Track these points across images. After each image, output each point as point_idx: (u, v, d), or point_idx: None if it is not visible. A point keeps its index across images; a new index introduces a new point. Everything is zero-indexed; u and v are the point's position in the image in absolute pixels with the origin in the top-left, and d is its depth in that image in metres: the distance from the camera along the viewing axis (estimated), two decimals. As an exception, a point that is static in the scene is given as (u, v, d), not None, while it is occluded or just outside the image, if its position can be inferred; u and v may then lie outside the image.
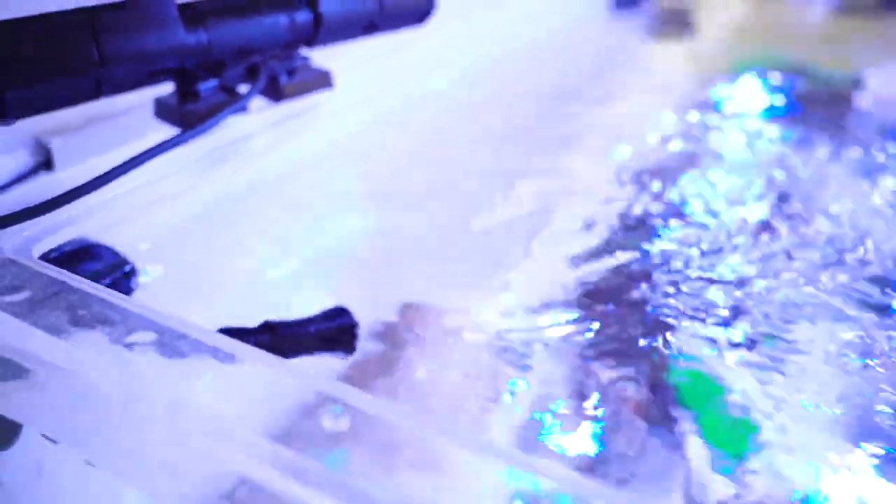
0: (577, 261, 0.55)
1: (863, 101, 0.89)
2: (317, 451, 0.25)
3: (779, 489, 0.37)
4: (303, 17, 0.51)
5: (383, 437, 0.26)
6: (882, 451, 0.39)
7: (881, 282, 0.53)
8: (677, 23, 1.20)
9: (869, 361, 0.45)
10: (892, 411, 0.42)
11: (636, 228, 0.60)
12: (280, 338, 0.41)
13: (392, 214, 0.58)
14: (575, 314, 0.49)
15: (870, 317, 0.49)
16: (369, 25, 0.56)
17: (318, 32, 0.52)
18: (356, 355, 0.45)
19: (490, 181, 0.64)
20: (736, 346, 0.47)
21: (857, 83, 0.93)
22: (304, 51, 0.55)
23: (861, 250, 0.56)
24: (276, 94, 0.53)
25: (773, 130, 0.79)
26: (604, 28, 1.11)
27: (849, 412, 0.42)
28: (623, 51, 1.05)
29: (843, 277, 0.53)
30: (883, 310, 0.50)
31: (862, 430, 0.41)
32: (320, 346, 0.42)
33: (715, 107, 0.85)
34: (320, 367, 0.44)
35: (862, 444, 0.39)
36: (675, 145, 0.75)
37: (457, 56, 0.83)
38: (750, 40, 1.16)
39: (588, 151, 0.75)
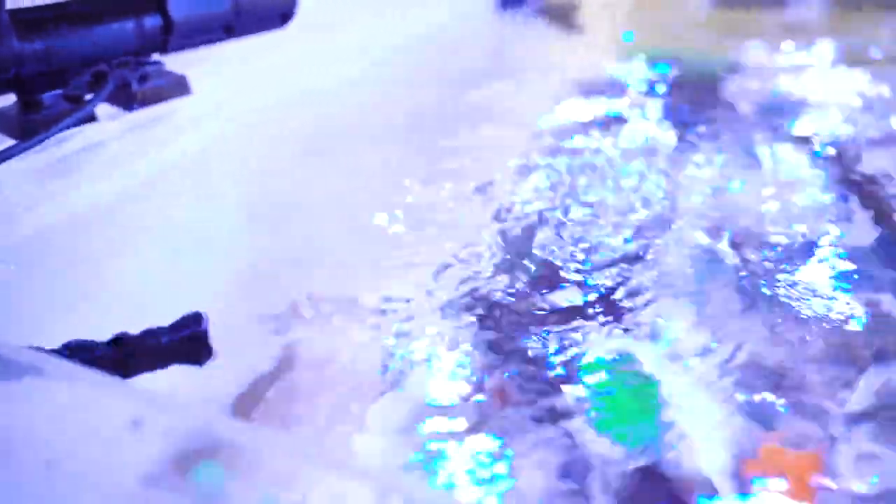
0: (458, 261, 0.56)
1: (732, 84, 0.93)
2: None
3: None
4: (152, 22, 0.51)
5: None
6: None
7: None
8: (564, 18, 1.23)
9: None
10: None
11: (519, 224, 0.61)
12: (127, 351, 0.40)
13: (263, 223, 0.57)
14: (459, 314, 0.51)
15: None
16: (226, 29, 0.55)
17: (170, 38, 0.51)
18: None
19: (363, 184, 0.64)
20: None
21: (728, 68, 0.97)
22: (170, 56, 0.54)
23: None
24: (127, 101, 0.51)
25: (652, 118, 0.82)
26: (490, 25, 1.12)
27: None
28: (510, 47, 1.07)
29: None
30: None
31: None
32: (171, 357, 0.42)
33: (599, 94, 0.88)
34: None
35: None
36: (557, 137, 0.76)
37: (336, 57, 0.83)
38: (633, 33, 1.19)
39: (473, 148, 0.76)
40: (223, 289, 0.50)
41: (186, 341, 0.42)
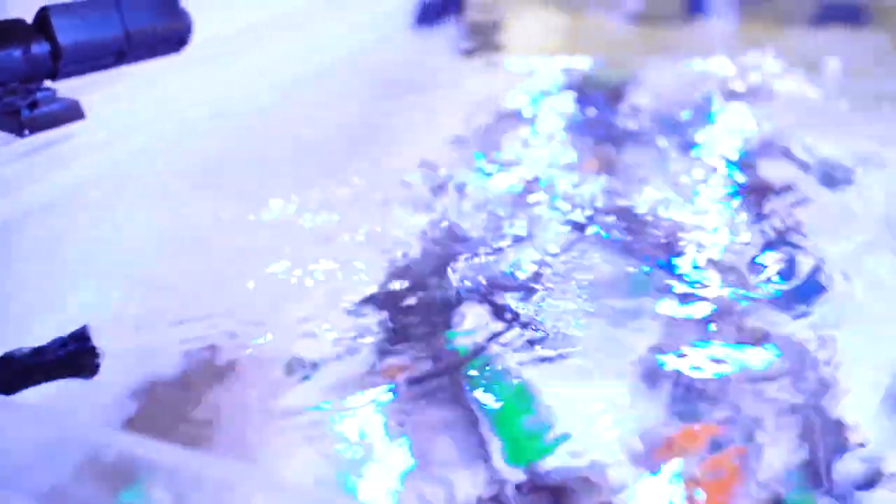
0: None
1: (636, 96, 0.97)
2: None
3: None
4: (39, 49, 0.52)
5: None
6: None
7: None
8: (484, 36, 1.26)
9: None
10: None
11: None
12: (10, 369, 0.41)
13: (165, 255, 0.58)
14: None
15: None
16: (118, 55, 0.56)
17: (59, 64, 0.52)
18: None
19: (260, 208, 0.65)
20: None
21: (631, 81, 1.01)
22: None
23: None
24: (17, 127, 0.52)
25: (559, 134, 0.85)
26: (407, 45, 1.15)
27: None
28: (424, 66, 1.09)
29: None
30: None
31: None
32: (59, 372, 0.42)
33: (515, 113, 0.90)
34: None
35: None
36: (470, 150, 0.79)
37: (252, 77, 0.84)
38: (551, 50, 1.23)
39: (385, 165, 0.78)
40: (117, 311, 0.51)
41: (74, 356, 0.43)
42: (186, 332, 0.51)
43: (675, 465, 0.41)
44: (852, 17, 1.29)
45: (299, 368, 0.49)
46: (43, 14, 0.52)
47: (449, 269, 0.57)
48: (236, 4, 0.88)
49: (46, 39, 0.52)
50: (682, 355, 0.49)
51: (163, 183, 0.62)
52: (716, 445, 0.42)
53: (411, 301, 0.54)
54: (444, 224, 0.64)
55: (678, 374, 0.47)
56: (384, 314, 0.53)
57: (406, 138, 0.84)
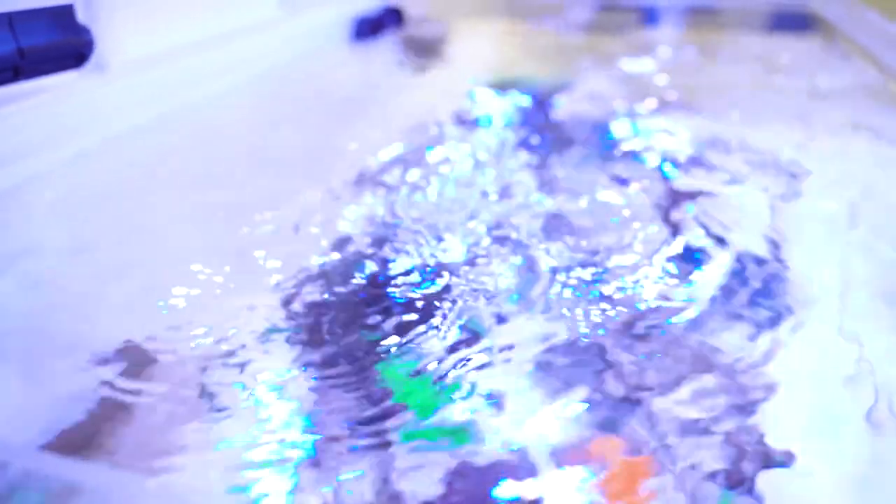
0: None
1: (566, 102, 0.98)
2: None
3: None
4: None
5: None
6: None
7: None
8: (424, 50, 1.28)
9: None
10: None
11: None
12: None
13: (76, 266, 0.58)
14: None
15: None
16: (14, 71, 0.56)
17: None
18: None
19: (196, 224, 0.65)
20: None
21: (563, 87, 1.02)
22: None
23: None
24: None
25: (493, 138, 0.86)
26: (343, 60, 1.16)
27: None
28: (359, 80, 1.10)
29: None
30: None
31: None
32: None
33: (450, 121, 0.91)
34: None
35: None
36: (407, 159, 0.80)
37: (187, 90, 0.85)
38: (491, 63, 1.24)
39: (317, 175, 0.78)
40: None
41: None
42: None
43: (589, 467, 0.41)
44: (799, 25, 1.33)
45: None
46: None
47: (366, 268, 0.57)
48: (176, 23, 0.89)
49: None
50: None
51: (74, 195, 0.62)
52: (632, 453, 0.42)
53: (328, 301, 0.55)
54: (370, 228, 0.65)
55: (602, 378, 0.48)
56: (300, 316, 0.53)
57: (338, 149, 0.85)
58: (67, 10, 0.60)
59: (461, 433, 0.43)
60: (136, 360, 0.49)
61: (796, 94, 0.99)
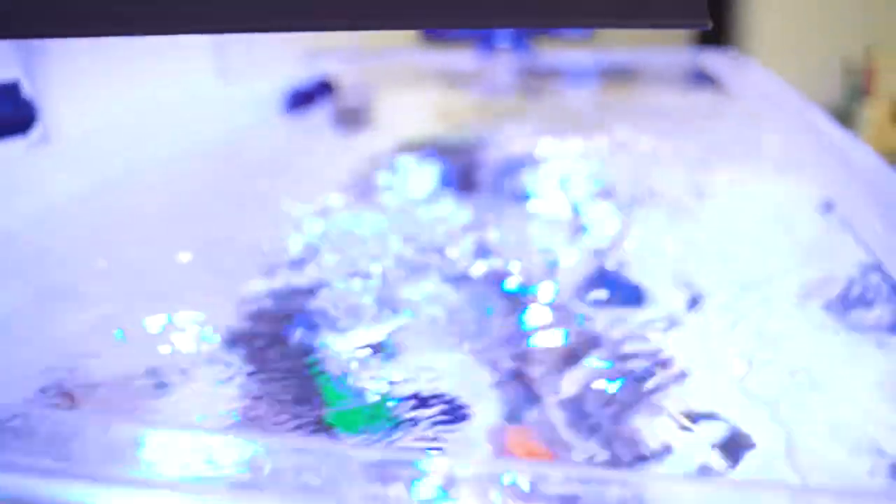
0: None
1: (484, 156, 1.08)
2: None
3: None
4: None
5: None
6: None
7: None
8: (353, 119, 1.37)
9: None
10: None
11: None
12: None
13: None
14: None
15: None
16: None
17: None
18: None
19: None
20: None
21: (478, 144, 1.12)
22: None
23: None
24: None
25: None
26: (277, 129, 1.24)
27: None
28: (292, 147, 1.18)
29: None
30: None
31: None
32: None
33: (375, 187, 0.99)
34: None
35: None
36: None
37: (120, 161, 0.90)
38: (414, 127, 1.34)
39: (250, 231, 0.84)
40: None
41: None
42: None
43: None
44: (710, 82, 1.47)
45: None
46: None
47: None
48: (114, 96, 0.96)
49: None
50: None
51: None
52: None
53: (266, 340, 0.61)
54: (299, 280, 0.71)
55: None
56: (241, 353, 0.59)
57: (269, 208, 0.91)
58: (14, 86, 0.67)
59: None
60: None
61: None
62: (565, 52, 1.62)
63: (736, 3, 2.69)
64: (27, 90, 0.68)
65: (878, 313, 0.57)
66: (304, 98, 1.31)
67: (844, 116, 2.52)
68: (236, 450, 0.32)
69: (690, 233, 0.78)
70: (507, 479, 0.28)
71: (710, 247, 0.74)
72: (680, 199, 0.87)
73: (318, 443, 0.44)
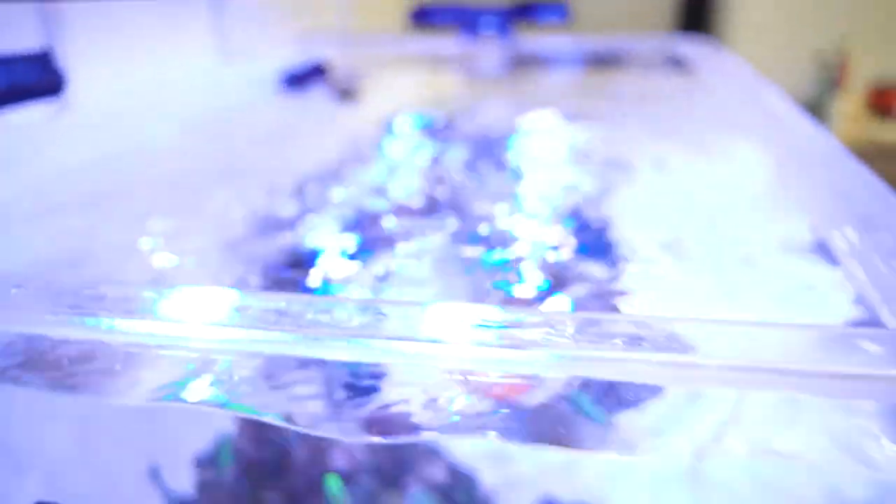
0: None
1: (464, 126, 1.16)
2: None
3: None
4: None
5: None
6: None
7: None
8: (347, 95, 1.45)
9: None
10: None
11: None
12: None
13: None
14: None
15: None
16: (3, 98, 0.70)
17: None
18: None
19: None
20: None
21: (462, 116, 1.20)
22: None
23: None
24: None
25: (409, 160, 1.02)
26: (275, 105, 1.32)
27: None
28: (288, 119, 1.27)
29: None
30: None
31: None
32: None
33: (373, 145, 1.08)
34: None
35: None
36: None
37: (131, 131, 0.98)
38: (402, 102, 1.42)
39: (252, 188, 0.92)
40: None
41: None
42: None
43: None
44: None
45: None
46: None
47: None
48: (121, 70, 1.04)
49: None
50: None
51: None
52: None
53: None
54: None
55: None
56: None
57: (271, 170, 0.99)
58: (46, 54, 0.75)
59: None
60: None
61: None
62: (548, 38, 1.70)
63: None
64: (58, 58, 0.76)
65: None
66: (298, 79, 1.39)
67: (817, 108, 2.63)
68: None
69: (654, 194, 0.87)
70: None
71: (678, 204, 0.82)
72: (643, 166, 0.95)
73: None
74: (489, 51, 1.57)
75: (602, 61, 1.63)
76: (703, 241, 0.71)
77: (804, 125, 0.85)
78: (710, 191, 0.85)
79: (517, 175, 0.94)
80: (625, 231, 0.76)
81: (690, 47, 1.56)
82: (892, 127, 2.55)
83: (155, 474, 0.51)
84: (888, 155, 2.50)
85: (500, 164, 0.98)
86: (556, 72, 1.65)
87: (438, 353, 0.35)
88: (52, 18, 0.80)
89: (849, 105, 2.59)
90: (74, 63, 0.89)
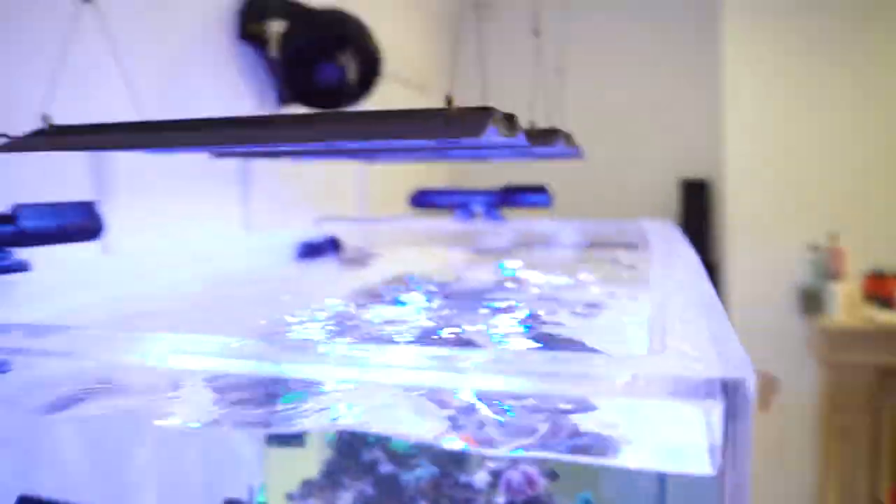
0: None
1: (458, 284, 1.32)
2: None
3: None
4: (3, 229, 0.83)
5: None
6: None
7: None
8: (357, 264, 1.63)
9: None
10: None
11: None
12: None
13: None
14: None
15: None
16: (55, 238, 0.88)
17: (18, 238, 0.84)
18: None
19: None
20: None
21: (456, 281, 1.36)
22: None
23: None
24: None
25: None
26: (291, 270, 1.50)
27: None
28: (303, 279, 1.44)
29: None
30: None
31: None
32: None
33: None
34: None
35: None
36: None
37: (161, 274, 1.16)
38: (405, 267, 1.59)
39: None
40: None
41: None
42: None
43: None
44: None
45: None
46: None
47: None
48: (158, 226, 1.23)
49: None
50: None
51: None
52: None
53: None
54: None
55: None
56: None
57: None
58: (92, 203, 0.94)
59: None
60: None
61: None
62: (543, 221, 1.90)
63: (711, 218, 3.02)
64: (100, 209, 0.94)
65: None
66: (314, 249, 1.58)
67: (814, 295, 2.76)
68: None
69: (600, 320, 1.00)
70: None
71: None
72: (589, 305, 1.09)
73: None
74: (493, 229, 1.76)
75: (588, 239, 1.81)
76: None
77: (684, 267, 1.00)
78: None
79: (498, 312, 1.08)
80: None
81: (652, 228, 1.73)
82: (890, 311, 2.65)
83: None
84: (889, 335, 2.60)
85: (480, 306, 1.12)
86: (548, 248, 1.82)
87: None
88: (103, 177, 1.00)
89: (846, 293, 2.72)
90: (117, 215, 1.08)
